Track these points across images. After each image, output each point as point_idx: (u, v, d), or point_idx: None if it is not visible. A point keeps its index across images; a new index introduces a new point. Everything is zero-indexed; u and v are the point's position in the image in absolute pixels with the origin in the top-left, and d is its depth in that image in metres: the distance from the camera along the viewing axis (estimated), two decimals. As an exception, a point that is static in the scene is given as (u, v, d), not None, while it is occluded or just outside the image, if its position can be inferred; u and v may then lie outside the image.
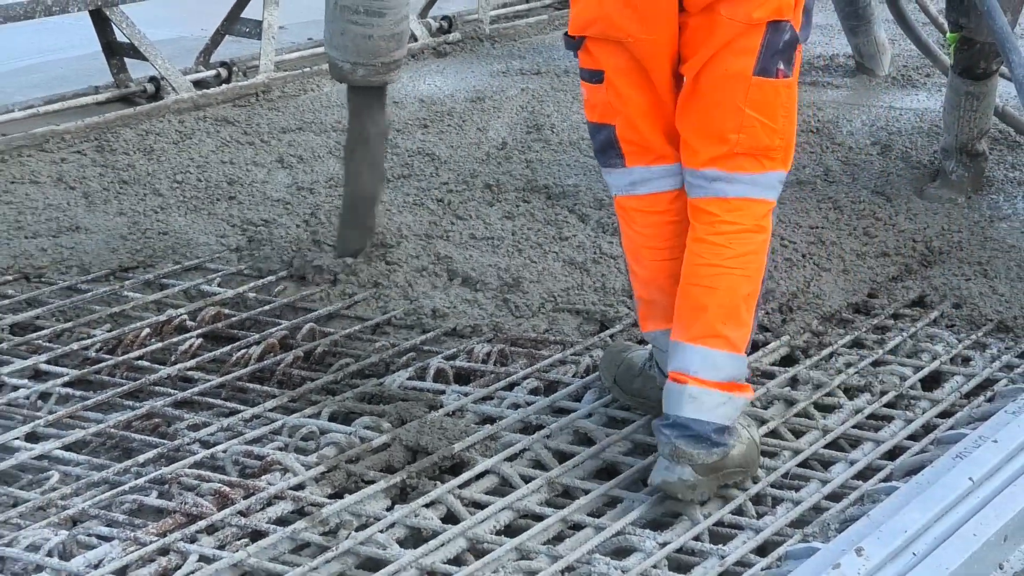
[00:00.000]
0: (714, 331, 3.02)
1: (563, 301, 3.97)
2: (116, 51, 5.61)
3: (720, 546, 2.94)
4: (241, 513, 3.02)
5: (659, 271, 3.20)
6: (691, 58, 3.04)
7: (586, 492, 3.13)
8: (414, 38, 6.47)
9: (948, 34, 4.63)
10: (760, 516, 3.08)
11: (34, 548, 2.88)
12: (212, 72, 5.86)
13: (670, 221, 3.18)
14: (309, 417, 3.44)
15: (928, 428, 3.44)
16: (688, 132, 3.09)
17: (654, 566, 2.86)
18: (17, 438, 3.33)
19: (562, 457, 3.31)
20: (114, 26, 5.53)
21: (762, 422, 3.41)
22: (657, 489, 3.05)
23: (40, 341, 3.86)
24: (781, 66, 3.00)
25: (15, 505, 3.07)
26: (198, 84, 5.71)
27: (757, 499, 3.15)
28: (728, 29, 2.99)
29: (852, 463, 3.28)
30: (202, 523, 2.96)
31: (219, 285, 4.17)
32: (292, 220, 4.52)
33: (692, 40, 3.03)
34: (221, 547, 2.92)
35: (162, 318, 3.95)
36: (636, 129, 3.13)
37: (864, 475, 3.24)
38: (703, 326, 3.03)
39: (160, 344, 3.82)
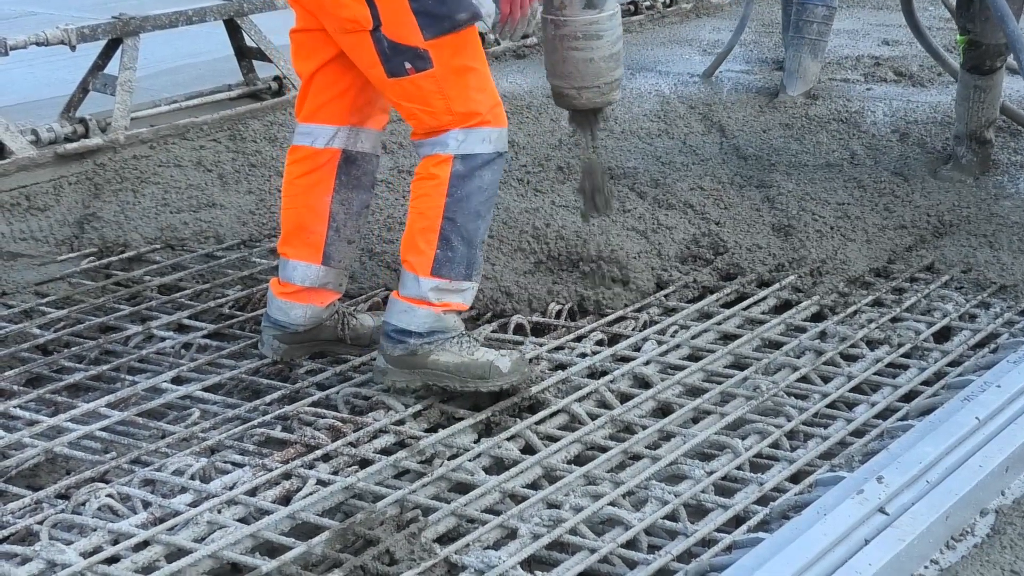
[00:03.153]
0: (404, 257, 3.18)
1: (627, 263, 3.93)
2: (246, 55, 5.64)
3: (759, 475, 2.92)
4: (351, 444, 3.04)
5: None
6: None
7: (644, 428, 3.12)
8: (497, 43, 6.43)
9: (958, 37, 4.56)
10: (793, 449, 3.06)
11: (179, 473, 2.92)
12: (326, 72, 5.87)
13: None
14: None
15: (939, 375, 3.40)
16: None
17: (703, 491, 2.85)
18: (165, 381, 3.38)
19: (623, 398, 3.30)
20: (244, 33, 5.55)
21: (794, 369, 3.39)
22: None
23: (183, 300, 3.90)
24: (409, 65, 3.04)
25: (163, 437, 3.11)
26: (314, 83, 5.72)
27: (791, 435, 3.12)
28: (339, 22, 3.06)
29: (873, 404, 3.24)
30: (319, 452, 2.99)
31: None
32: (392, 195, 4.53)
33: None
34: (335, 473, 2.94)
35: (285, 280, 3.97)
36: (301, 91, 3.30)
37: (884, 415, 3.20)
38: (401, 253, 3.20)
39: (283, 302, 3.84)
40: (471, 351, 3.17)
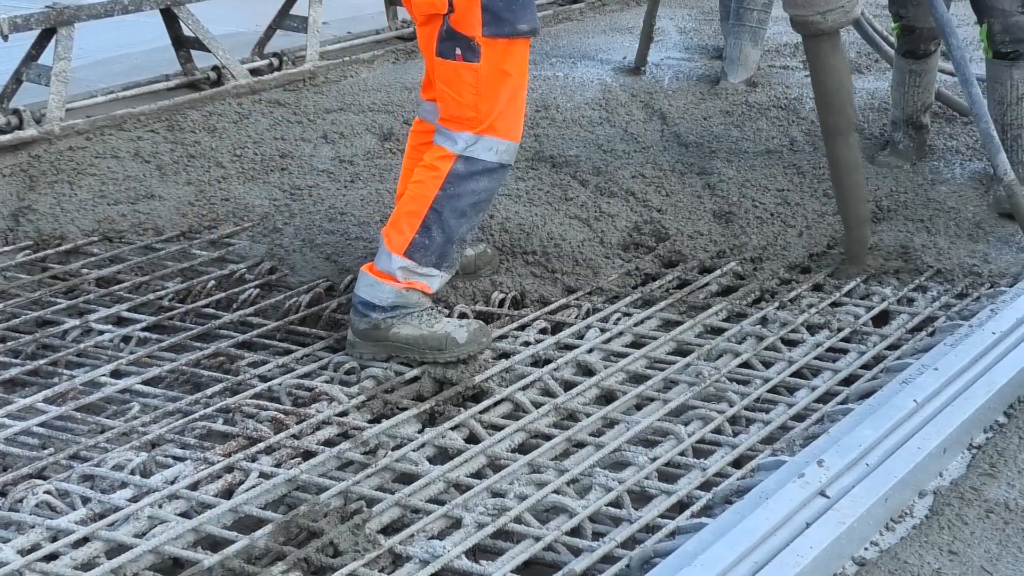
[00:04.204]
0: (386, 231, 3.33)
1: (570, 251, 3.94)
2: (183, 44, 5.57)
3: (702, 460, 2.94)
4: (294, 436, 3.02)
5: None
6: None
7: (588, 415, 3.13)
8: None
9: (893, 23, 4.60)
10: (736, 435, 3.08)
11: (119, 468, 2.89)
12: (265, 61, 5.81)
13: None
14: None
15: (878, 359, 3.43)
16: None
17: (646, 477, 2.86)
18: (104, 375, 3.34)
19: (567, 386, 3.30)
20: (182, 23, 5.48)
21: (736, 355, 3.41)
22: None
23: (121, 292, 3.85)
24: (459, 51, 3.19)
25: (102, 431, 3.08)
26: (254, 72, 5.67)
27: (733, 420, 3.14)
28: (422, 12, 3.24)
29: (814, 389, 3.27)
30: (261, 445, 2.97)
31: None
32: (334, 186, 4.50)
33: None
34: (278, 465, 2.93)
35: (225, 272, 3.94)
36: (428, 71, 3.47)
37: (824, 399, 3.23)
38: (386, 226, 3.35)
39: (223, 294, 3.81)
40: (431, 324, 3.29)
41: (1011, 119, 4.28)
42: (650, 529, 2.69)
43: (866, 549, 2.52)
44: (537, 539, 2.63)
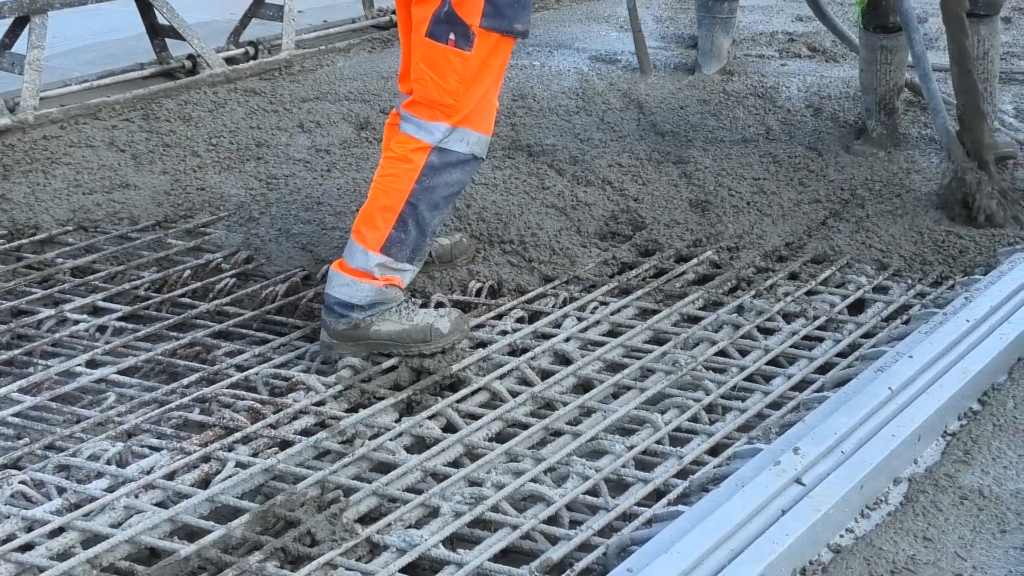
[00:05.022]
0: (357, 228, 3.27)
1: (547, 240, 3.94)
2: (158, 32, 5.54)
3: (679, 448, 2.95)
4: (271, 426, 3.01)
5: None
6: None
7: (565, 404, 3.13)
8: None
9: (856, 1, 4.58)
10: (712, 423, 3.09)
11: (95, 458, 2.88)
12: (241, 50, 5.80)
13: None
14: (328, 344, 3.42)
15: (854, 347, 3.45)
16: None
17: (623, 466, 2.87)
18: (79, 365, 3.32)
19: (544, 375, 3.31)
20: (156, 11, 5.46)
21: (713, 343, 3.42)
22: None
23: (97, 282, 3.83)
24: (453, 36, 3.15)
25: (78, 421, 3.06)
26: (229, 60, 5.65)
27: (709, 408, 3.15)
28: None
29: (790, 377, 3.28)
30: (238, 435, 2.96)
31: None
32: (311, 175, 4.49)
33: None
34: (254, 455, 2.92)
35: (201, 261, 3.93)
36: (404, 61, 3.41)
37: (800, 387, 3.25)
38: (355, 223, 3.28)
39: (200, 283, 3.80)
40: (410, 317, 3.26)
41: (978, 73, 4.34)
42: (627, 517, 2.70)
43: (841, 536, 2.54)
44: (514, 527, 2.63)
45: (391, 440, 2.95)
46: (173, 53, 5.57)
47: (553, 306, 3.67)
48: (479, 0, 3.14)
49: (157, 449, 2.91)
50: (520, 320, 3.60)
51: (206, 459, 2.87)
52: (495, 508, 2.69)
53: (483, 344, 3.43)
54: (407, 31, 3.34)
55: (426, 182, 3.23)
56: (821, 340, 3.49)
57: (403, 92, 3.44)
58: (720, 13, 5.51)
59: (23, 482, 2.76)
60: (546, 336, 3.50)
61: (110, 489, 2.76)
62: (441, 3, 3.16)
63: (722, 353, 3.40)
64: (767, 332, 3.54)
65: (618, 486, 2.82)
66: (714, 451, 2.95)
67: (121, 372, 3.30)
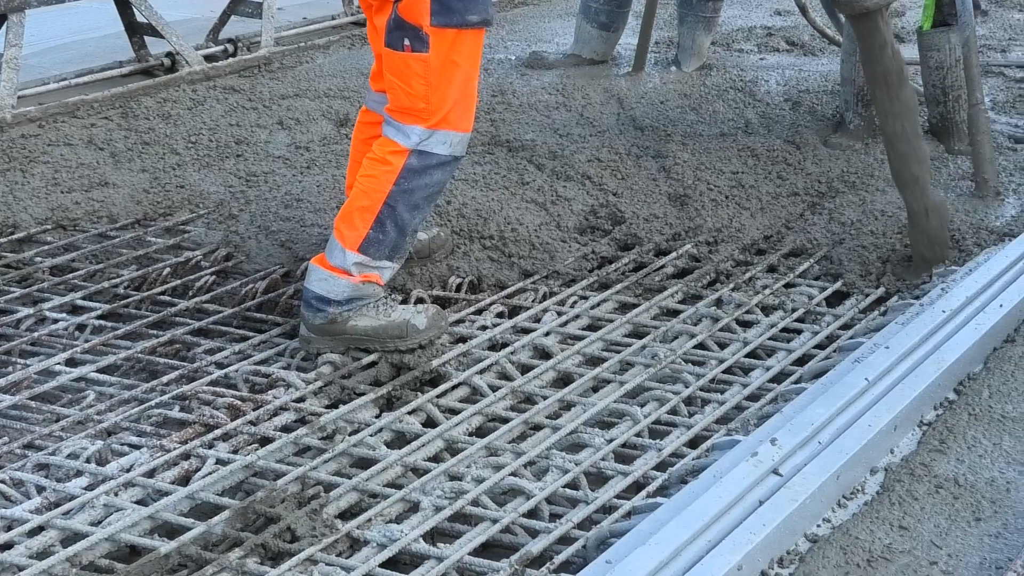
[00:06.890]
0: (337, 225, 3.28)
1: (527, 235, 3.95)
2: (137, 30, 5.53)
3: (658, 441, 2.96)
4: (251, 423, 3.02)
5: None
6: None
7: (544, 398, 3.14)
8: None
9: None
10: (691, 415, 3.10)
11: (74, 456, 2.88)
12: (220, 47, 5.79)
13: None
14: (308, 340, 3.42)
15: (832, 338, 3.47)
16: None
17: (603, 459, 2.88)
18: (58, 363, 3.31)
19: (524, 369, 3.32)
20: (135, 9, 5.44)
21: (691, 336, 3.43)
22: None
23: (76, 280, 3.83)
24: (407, 42, 3.16)
25: (57, 420, 3.06)
26: (208, 58, 5.64)
27: (689, 401, 3.16)
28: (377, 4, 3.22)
29: (768, 369, 3.30)
30: (218, 432, 2.96)
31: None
32: (290, 172, 4.49)
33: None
34: (235, 452, 2.92)
35: (180, 259, 3.93)
36: (376, 62, 3.43)
37: (778, 379, 3.27)
38: (336, 220, 3.30)
39: (179, 281, 3.79)
40: (388, 313, 3.27)
41: (951, 81, 4.41)
42: (606, 510, 2.71)
43: (818, 526, 2.55)
44: (494, 521, 2.64)
45: (371, 436, 2.96)
46: (152, 51, 5.56)
47: (533, 301, 3.68)
48: (423, 1, 3.12)
49: (137, 447, 2.91)
50: (500, 315, 3.60)
51: (186, 456, 2.88)
52: (475, 502, 2.70)
53: (463, 339, 3.44)
54: (376, 39, 3.33)
55: (405, 184, 3.22)
56: (799, 332, 3.51)
57: (374, 90, 3.45)
58: (704, 12, 5.51)
59: (2, 481, 2.76)
60: (526, 331, 3.51)
61: (90, 487, 2.76)
62: (390, 12, 3.17)
63: (701, 346, 3.41)
64: (746, 325, 3.56)
65: (598, 479, 2.83)
66: (693, 443, 2.97)
67: (100, 370, 3.30)
